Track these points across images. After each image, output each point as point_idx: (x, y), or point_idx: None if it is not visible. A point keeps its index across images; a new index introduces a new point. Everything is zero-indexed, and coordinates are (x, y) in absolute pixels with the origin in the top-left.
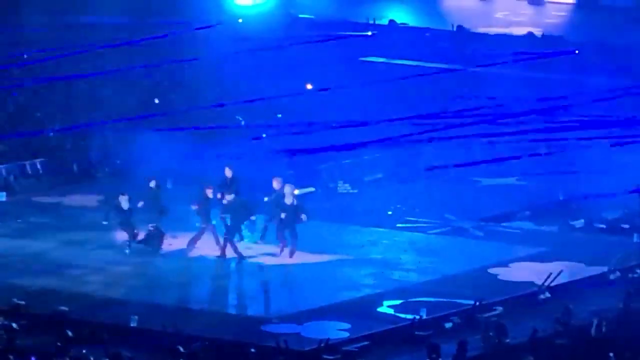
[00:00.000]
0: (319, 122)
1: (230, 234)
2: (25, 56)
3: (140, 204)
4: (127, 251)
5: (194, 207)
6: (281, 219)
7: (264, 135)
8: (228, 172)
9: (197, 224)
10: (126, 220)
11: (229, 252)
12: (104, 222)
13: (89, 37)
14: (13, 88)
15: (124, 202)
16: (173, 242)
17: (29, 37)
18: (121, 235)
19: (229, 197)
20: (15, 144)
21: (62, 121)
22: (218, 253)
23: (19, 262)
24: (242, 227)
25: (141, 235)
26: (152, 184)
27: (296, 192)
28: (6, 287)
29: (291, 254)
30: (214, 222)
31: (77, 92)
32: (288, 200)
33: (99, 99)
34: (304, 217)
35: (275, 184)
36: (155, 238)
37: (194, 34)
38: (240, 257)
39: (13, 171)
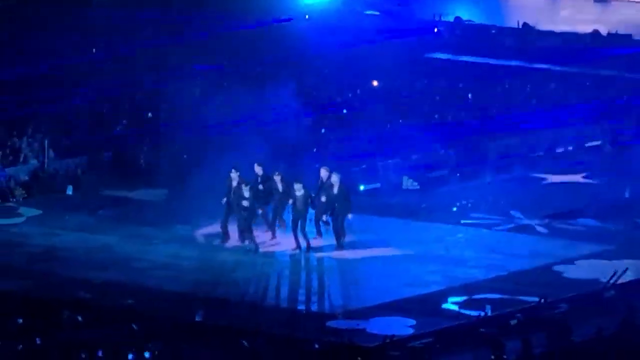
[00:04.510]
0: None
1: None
2: (94, 50)
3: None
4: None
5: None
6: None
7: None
8: (257, 169)
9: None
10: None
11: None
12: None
13: (152, 31)
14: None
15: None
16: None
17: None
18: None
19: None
20: (83, 138)
21: (130, 117)
22: (283, 248)
23: (85, 256)
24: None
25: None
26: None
27: (361, 187)
28: (72, 280)
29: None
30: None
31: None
32: (335, 190)
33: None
34: (349, 215)
35: (323, 173)
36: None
37: (265, 30)
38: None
39: (80, 165)
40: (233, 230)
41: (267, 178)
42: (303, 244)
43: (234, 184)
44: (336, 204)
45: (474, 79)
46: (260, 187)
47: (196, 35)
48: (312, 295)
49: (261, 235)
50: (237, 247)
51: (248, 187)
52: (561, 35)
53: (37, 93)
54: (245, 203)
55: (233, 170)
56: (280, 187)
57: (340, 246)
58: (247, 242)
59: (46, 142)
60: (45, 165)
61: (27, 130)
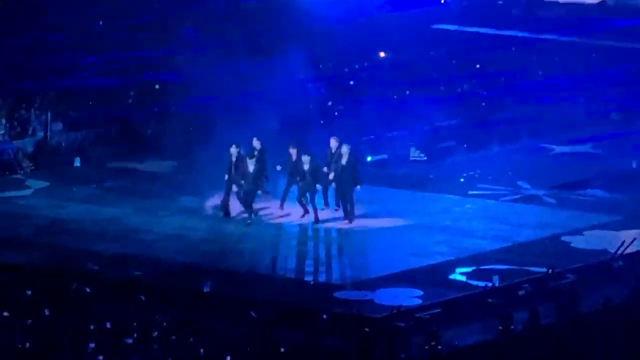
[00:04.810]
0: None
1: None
2: (101, 23)
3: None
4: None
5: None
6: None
7: None
8: (256, 143)
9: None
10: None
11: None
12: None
13: (160, 2)
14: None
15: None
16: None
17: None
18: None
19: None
20: (90, 110)
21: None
22: (291, 219)
23: (93, 228)
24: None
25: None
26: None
27: (369, 158)
28: (80, 252)
29: (350, 221)
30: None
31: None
32: (344, 160)
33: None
34: (358, 187)
35: (333, 143)
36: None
37: (272, 2)
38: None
39: (88, 137)
40: (234, 208)
41: (263, 152)
42: (310, 212)
43: (233, 159)
44: (344, 175)
45: (480, 50)
46: (280, 166)
47: (204, 6)
48: (320, 266)
49: (269, 207)
50: (244, 219)
51: (253, 160)
52: (567, 5)
53: (44, 64)
54: (239, 179)
55: (233, 146)
56: (294, 159)
57: (347, 217)
58: (252, 217)
59: (49, 114)
60: (48, 138)
61: (35, 103)
